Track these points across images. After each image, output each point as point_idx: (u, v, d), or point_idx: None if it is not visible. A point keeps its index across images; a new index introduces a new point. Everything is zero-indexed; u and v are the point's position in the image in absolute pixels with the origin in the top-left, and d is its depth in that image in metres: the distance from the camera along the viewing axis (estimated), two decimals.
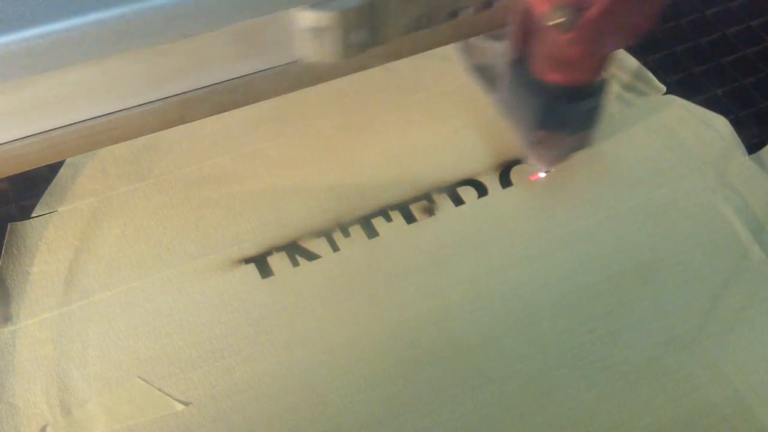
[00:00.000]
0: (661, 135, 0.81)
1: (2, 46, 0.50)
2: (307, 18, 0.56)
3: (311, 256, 0.72)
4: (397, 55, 0.65)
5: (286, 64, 0.61)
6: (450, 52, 0.78)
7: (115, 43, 0.53)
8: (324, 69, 0.63)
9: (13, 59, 0.51)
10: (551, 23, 0.58)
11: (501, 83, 0.73)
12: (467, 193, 0.76)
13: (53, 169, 0.76)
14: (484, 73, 0.77)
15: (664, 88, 0.84)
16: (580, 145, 0.75)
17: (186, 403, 0.64)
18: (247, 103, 0.63)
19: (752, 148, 0.80)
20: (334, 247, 0.73)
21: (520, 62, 0.68)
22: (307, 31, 0.57)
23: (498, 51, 0.74)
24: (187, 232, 0.73)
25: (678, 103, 0.83)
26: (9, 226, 0.73)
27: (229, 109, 0.63)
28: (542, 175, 0.77)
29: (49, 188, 0.76)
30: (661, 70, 0.86)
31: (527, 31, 0.66)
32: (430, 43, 0.66)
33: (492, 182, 0.77)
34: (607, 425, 0.64)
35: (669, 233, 0.74)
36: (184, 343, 0.67)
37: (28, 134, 0.57)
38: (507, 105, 0.73)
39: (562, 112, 0.68)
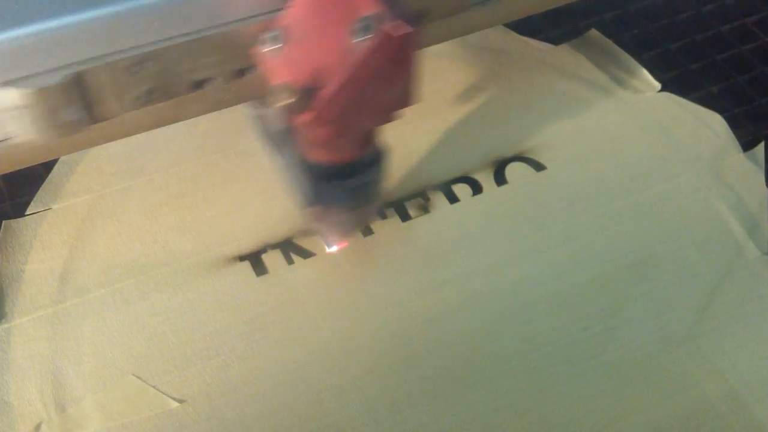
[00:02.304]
0: (655, 132, 0.81)
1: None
2: (5, 97, 0.50)
3: (306, 254, 0.72)
4: (132, 131, 0.59)
5: None
6: (446, 49, 0.78)
7: (111, 41, 0.53)
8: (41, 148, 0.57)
9: (7, 57, 0.51)
10: (279, 105, 0.52)
11: (278, 153, 0.69)
12: (462, 190, 0.76)
13: (47, 166, 0.76)
14: (267, 140, 0.70)
15: (658, 86, 0.84)
16: (364, 219, 0.72)
17: (181, 401, 0.64)
18: (242, 102, 0.63)
19: (747, 145, 0.80)
20: (330, 245, 0.73)
21: (287, 135, 0.64)
22: (9, 110, 0.51)
23: (271, 120, 0.69)
24: (181, 230, 0.73)
25: (673, 100, 0.83)
26: (3, 223, 0.73)
27: (223, 108, 0.63)
28: (334, 248, 0.73)
29: (43, 186, 0.75)
30: (656, 67, 0.86)
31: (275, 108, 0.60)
32: (170, 117, 0.59)
33: (487, 180, 0.77)
34: (602, 422, 0.64)
35: (664, 230, 0.74)
36: (179, 341, 0.67)
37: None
38: (284, 176, 0.69)
39: (330, 190, 0.63)
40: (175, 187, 0.76)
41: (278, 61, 0.54)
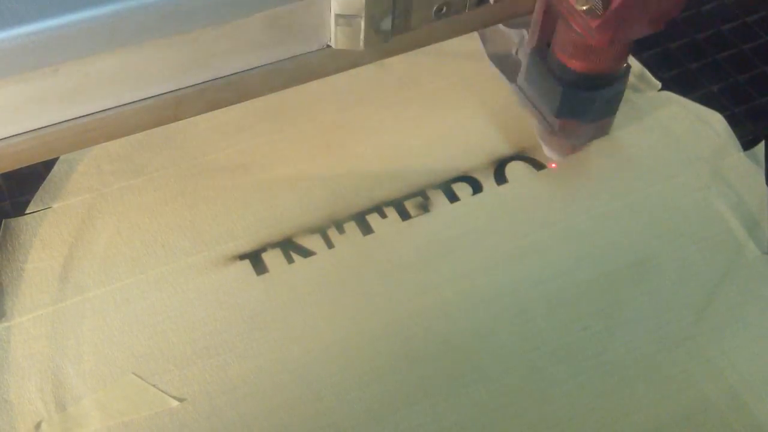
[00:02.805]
0: (655, 131, 0.81)
1: None
2: (338, 4, 0.58)
3: (306, 253, 0.72)
4: (417, 45, 0.67)
5: (311, 52, 0.62)
6: (445, 47, 0.78)
7: (110, 40, 0.53)
8: (323, 62, 0.63)
9: (8, 56, 0.51)
10: (581, 8, 0.59)
11: (520, 72, 0.74)
12: (462, 189, 0.76)
13: (47, 165, 0.76)
14: (504, 62, 0.78)
15: (659, 85, 0.84)
16: (599, 134, 0.76)
17: (181, 400, 0.64)
18: (241, 100, 0.63)
19: (747, 144, 0.80)
20: (329, 244, 0.73)
21: (541, 50, 0.69)
22: (335, 18, 0.59)
23: (517, 40, 0.77)
24: (181, 229, 0.73)
25: (673, 99, 0.83)
26: (3, 222, 0.73)
27: (223, 107, 0.63)
28: (554, 165, 0.78)
29: (43, 185, 0.75)
30: (656, 66, 0.86)
31: (551, 18, 0.66)
32: (452, 32, 0.68)
33: (487, 179, 0.77)
34: (602, 422, 0.64)
35: (664, 230, 0.74)
36: (179, 340, 0.67)
37: (23, 131, 0.57)
38: (526, 94, 0.74)
39: (583, 100, 0.69)
40: (174, 186, 0.76)
41: None
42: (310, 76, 0.64)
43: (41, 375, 0.65)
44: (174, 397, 0.64)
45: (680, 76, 0.86)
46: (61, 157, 0.77)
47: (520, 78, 0.75)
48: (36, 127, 0.57)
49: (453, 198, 0.76)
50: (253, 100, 0.65)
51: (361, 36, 0.60)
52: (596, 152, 0.79)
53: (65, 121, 0.58)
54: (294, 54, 0.62)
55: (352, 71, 0.67)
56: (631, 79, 0.85)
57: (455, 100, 0.83)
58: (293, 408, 0.64)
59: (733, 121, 0.81)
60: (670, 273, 0.71)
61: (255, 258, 0.72)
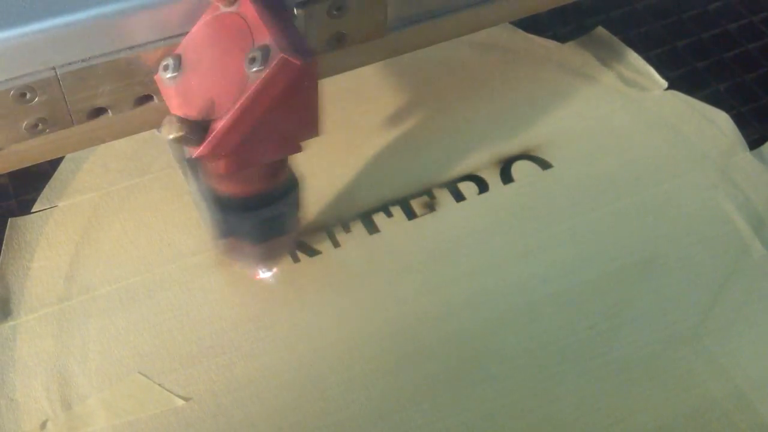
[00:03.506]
0: (662, 130, 0.81)
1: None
2: None
3: (312, 252, 0.72)
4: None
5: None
6: (452, 47, 0.78)
7: (114, 39, 0.53)
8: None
9: (11, 54, 0.51)
10: (170, 137, 0.49)
11: (192, 181, 0.65)
12: (468, 188, 0.76)
13: (54, 164, 0.76)
14: (184, 167, 0.67)
15: (665, 84, 0.84)
16: (279, 252, 0.69)
17: (186, 399, 0.64)
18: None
19: (754, 143, 0.80)
20: (335, 243, 0.73)
21: (194, 165, 0.62)
22: None
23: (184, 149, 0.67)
24: (188, 228, 0.73)
25: (679, 98, 0.83)
26: (9, 221, 0.73)
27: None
28: (263, 275, 0.71)
29: (49, 183, 0.76)
30: (663, 65, 0.85)
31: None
32: (62, 148, 0.60)
33: (493, 178, 0.77)
34: (607, 421, 0.64)
35: (670, 229, 0.74)
36: (185, 339, 0.67)
37: None
38: (197, 205, 0.67)
39: (238, 222, 0.61)
40: (181, 184, 0.76)
41: (175, 90, 0.53)
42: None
43: (47, 374, 0.65)
44: (180, 396, 0.64)
45: (686, 75, 0.86)
46: (67, 156, 0.77)
47: (192, 188, 0.66)
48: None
49: (459, 197, 0.76)
50: None
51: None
52: (602, 151, 0.79)
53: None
54: None
55: (358, 70, 0.67)
56: (638, 77, 0.84)
57: (461, 99, 0.82)
58: (299, 407, 0.64)
59: (740, 121, 0.81)
60: (676, 272, 0.71)
61: None
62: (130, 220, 0.73)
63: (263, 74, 0.49)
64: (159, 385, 0.65)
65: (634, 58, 0.86)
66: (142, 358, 0.66)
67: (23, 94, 0.52)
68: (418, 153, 0.78)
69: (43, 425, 0.62)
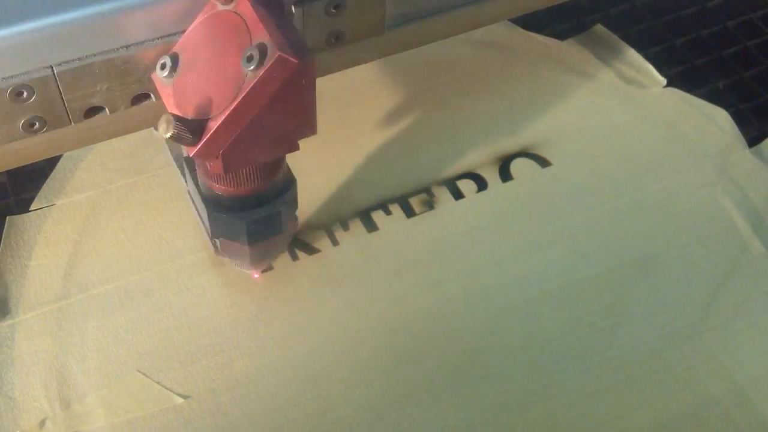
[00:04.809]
0: (661, 128, 0.81)
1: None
2: None
3: (310, 250, 0.72)
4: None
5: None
6: (451, 44, 0.78)
7: (111, 38, 0.53)
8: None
9: (8, 53, 0.51)
10: (165, 135, 0.49)
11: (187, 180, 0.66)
12: (467, 186, 0.76)
13: (51, 162, 0.76)
14: (179, 165, 0.68)
15: (664, 81, 0.84)
16: (272, 252, 0.68)
17: (185, 397, 0.64)
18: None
19: (753, 141, 0.80)
20: (334, 241, 0.73)
21: (188, 164, 0.62)
22: None
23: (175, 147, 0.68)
24: (186, 226, 0.73)
25: (678, 95, 0.83)
26: (7, 219, 0.73)
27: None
28: (256, 275, 0.71)
29: (47, 181, 0.75)
30: (662, 62, 0.85)
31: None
32: (56, 148, 0.60)
33: (492, 176, 0.77)
34: (606, 419, 0.64)
35: (669, 226, 0.74)
36: (183, 337, 0.67)
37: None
38: (191, 204, 0.67)
39: (229, 222, 0.61)
40: (179, 182, 0.75)
41: (172, 88, 0.53)
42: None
43: (46, 372, 0.65)
44: (178, 395, 0.64)
45: (685, 73, 0.86)
46: (65, 154, 0.77)
47: (187, 187, 0.67)
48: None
49: (458, 195, 0.76)
50: None
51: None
52: (601, 149, 0.79)
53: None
54: None
55: (356, 68, 0.67)
56: (637, 75, 0.84)
57: (460, 97, 0.82)
58: (298, 405, 0.64)
59: (739, 118, 0.81)
60: (675, 270, 0.71)
61: None
62: (128, 219, 0.73)
63: (260, 72, 0.48)
64: (158, 383, 0.65)
65: (633, 55, 0.86)
66: (141, 357, 0.66)
67: (20, 93, 0.52)
68: (416, 151, 0.78)
69: (42, 424, 0.62)
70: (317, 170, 0.76)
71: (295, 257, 0.72)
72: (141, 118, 0.59)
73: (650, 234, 0.73)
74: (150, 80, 0.55)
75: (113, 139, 0.61)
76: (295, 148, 0.55)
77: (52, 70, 0.52)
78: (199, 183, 0.61)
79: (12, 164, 0.60)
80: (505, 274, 0.71)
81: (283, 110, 0.51)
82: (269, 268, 0.71)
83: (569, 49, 0.87)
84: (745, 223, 0.74)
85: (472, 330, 0.68)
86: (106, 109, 0.56)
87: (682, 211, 0.75)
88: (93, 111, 0.55)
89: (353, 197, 0.75)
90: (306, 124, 0.54)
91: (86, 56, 0.52)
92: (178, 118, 0.49)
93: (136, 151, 0.78)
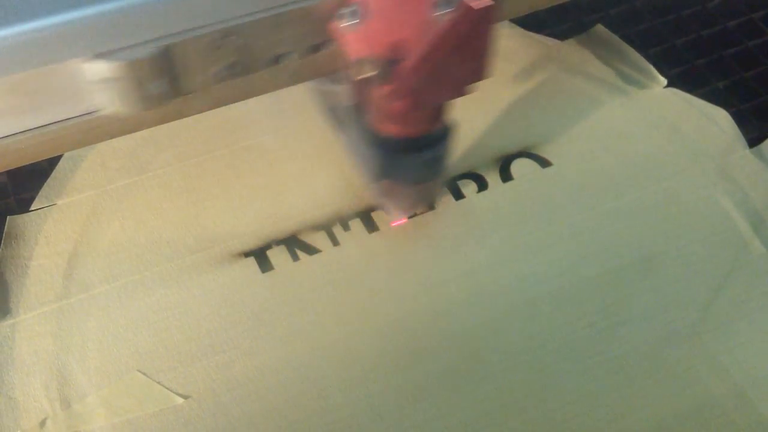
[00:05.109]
0: (661, 128, 0.81)
1: (1, 39, 0.50)
2: (95, 69, 0.52)
3: (311, 250, 0.72)
4: (212, 104, 0.60)
5: (80, 115, 0.56)
6: None
7: (113, 37, 0.53)
8: (128, 120, 0.59)
9: (12, 53, 0.51)
10: (361, 77, 0.55)
11: (346, 129, 0.71)
12: (467, 186, 0.76)
13: (52, 162, 0.76)
14: (335, 116, 0.73)
15: (664, 81, 0.84)
16: (429, 194, 0.72)
17: (185, 397, 0.64)
18: (247, 97, 0.63)
19: (753, 141, 0.80)
20: (335, 241, 0.73)
21: (358, 110, 0.65)
22: (98, 83, 0.52)
23: (340, 96, 0.71)
24: (186, 226, 0.73)
25: (679, 96, 0.83)
26: (8, 219, 0.73)
27: (228, 103, 0.63)
28: (401, 221, 0.74)
29: (48, 181, 0.75)
30: (662, 62, 0.85)
31: (355, 81, 0.63)
32: (249, 91, 0.61)
33: (492, 176, 0.77)
34: (606, 418, 0.64)
35: (669, 226, 0.74)
36: (184, 337, 0.67)
37: (27, 128, 0.57)
38: (352, 151, 0.71)
39: (399, 163, 0.65)
40: (179, 182, 0.76)
41: (356, 36, 0.55)
42: (314, 72, 0.64)
43: (46, 372, 0.65)
44: (179, 395, 0.64)
45: (686, 73, 0.86)
46: (66, 154, 0.77)
47: (345, 136, 0.71)
48: (40, 125, 0.57)
49: (458, 195, 0.76)
50: (258, 97, 0.64)
51: (131, 100, 0.54)
52: (602, 149, 0.79)
53: (69, 118, 0.57)
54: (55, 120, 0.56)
55: None
56: (637, 75, 0.84)
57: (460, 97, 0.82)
58: (298, 405, 0.64)
59: (739, 118, 0.81)
60: (675, 270, 0.71)
61: (260, 255, 0.72)
62: (129, 219, 0.73)
63: (449, 17, 0.51)
64: (158, 383, 0.65)
65: (634, 55, 0.86)
66: (141, 357, 0.66)
67: (218, 40, 0.53)
68: None
69: (43, 423, 0.62)
70: (318, 170, 0.76)
71: (295, 257, 0.72)
72: (321, 66, 0.60)
73: (650, 234, 0.73)
74: (330, 29, 0.56)
75: (114, 139, 0.61)
76: (467, 91, 0.59)
77: (247, 19, 0.53)
78: (370, 127, 0.64)
79: (12, 164, 0.60)
80: (505, 274, 0.71)
81: (466, 54, 0.54)
82: (413, 215, 0.73)
83: (569, 49, 0.87)
84: (745, 223, 0.74)
85: (472, 330, 0.68)
86: (289, 57, 0.57)
87: (683, 211, 0.75)
88: (277, 59, 0.57)
89: (354, 197, 0.75)
90: (481, 69, 0.57)
91: (278, 5, 0.54)
92: (372, 61, 0.53)
93: (137, 151, 0.78)
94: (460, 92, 0.58)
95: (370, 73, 0.54)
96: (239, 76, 0.57)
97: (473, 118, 0.81)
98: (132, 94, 0.53)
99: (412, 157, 0.64)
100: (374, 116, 0.62)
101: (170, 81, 0.54)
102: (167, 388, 0.65)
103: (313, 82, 0.71)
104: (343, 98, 0.67)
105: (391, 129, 0.62)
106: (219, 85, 0.57)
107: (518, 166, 0.78)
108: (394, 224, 0.74)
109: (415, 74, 0.54)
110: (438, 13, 0.52)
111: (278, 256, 0.72)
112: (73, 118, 0.55)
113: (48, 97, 0.54)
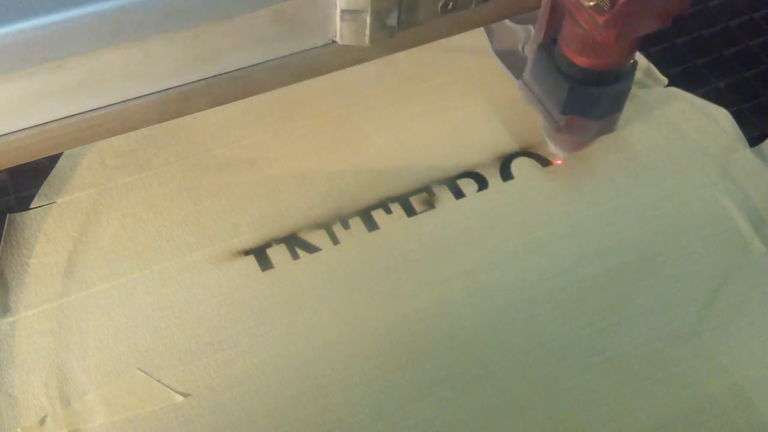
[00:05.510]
0: (662, 127, 0.81)
1: (2, 37, 0.50)
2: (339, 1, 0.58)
3: (311, 249, 0.72)
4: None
5: (316, 48, 0.62)
6: (451, 43, 0.78)
7: (114, 34, 0.53)
8: (329, 58, 0.63)
9: (13, 51, 0.51)
10: (589, 4, 0.60)
11: (526, 68, 0.75)
12: (468, 185, 0.76)
13: (52, 160, 0.76)
14: (510, 58, 0.79)
15: (665, 81, 0.84)
16: (606, 130, 0.75)
17: (185, 395, 0.64)
18: (247, 96, 0.63)
19: (754, 140, 0.80)
20: (334, 240, 0.73)
21: (548, 46, 0.70)
22: (341, 14, 0.59)
23: (522, 35, 0.79)
24: (186, 224, 0.73)
25: (680, 95, 0.83)
26: (8, 217, 0.73)
27: (228, 102, 0.63)
28: (559, 161, 0.78)
29: (47, 179, 0.75)
30: (663, 62, 0.85)
31: (557, 14, 0.67)
32: (457, 27, 0.68)
33: (492, 175, 0.77)
34: (606, 418, 0.64)
35: (669, 226, 0.74)
36: (184, 335, 0.67)
37: (28, 126, 0.57)
38: (532, 90, 0.74)
39: (589, 96, 0.69)
40: (179, 181, 0.76)
41: None
42: (315, 71, 0.64)
43: (46, 370, 0.65)
44: (179, 393, 0.64)
45: (687, 72, 0.86)
46: (66, 152, 0.77)
47: (526, 74, 0.75)
48: (41, 123, 0.57)
49: (458, 194, 0.76)
50: (258, 96, 0.64)
51: (367, 32, 0.60)
52: (602, 148, 0.79)
53: (70, 116, 0.58)
54: (299, 49, 0.62)
55: (358, 67, 0.67)
56: (638, 75, 0.84)
57: (461, 96, 0.82)
58: (298, 404, 0.64)
59: (740, 118, 0.81)
60: (676, 269, 0.71)
61: (260, 254, 0.72)
62: (129, 217, 0.73)
63: None
64: (158, 381, 0.65)
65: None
66: (141, 355, 0.66)
67: None
68: (417, 150, 0.78)
69: (42, 421, 0.62)
70: (318, 169, 0.76)
71: (295, 256, 0.72)
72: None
73: (650, 233, 0.73)
74: None
75: (114, 138, 0.61)
76: (669, 22, 0.62)
77: None
78: (564, 62, 0.68)
79: (12, 162, 0.60)
80: (505, 273, 0.71)
81: None
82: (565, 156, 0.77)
83: None
84: (745, 222, 0.74)
85: (472, 330, 0.68)
86: None
87: (683, 210, 0.75)
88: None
89: (353, 196, 0.75)
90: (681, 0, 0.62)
91: None
92: None
93: (137, 150, 0.78)
94: (666, 22, 0.62)
95: (595, 1, 0.59)
96: (460, 10, 0.64)
97: (473, 117, 0.81)
98: (372, 25, 0.60)
99: (605, 90, 0.68)
100: (573, 49, 0.67)
101: (404, 13, 0.61)
102: (167, 386, 0.65)
103: (494, 26, 0.81)
104: (524, 38, 0.75)
105: (589, 61, 0.67)
106: (437, 20, 0.64)
107: (519, 165, 0.78)
108: (555, 162, 0.78)
109: (633, 3, 0.58)
110: None
111: (278, 254, 0.72)
112: (312, 49, 0.63)
113: (302, 26, 0.61)
